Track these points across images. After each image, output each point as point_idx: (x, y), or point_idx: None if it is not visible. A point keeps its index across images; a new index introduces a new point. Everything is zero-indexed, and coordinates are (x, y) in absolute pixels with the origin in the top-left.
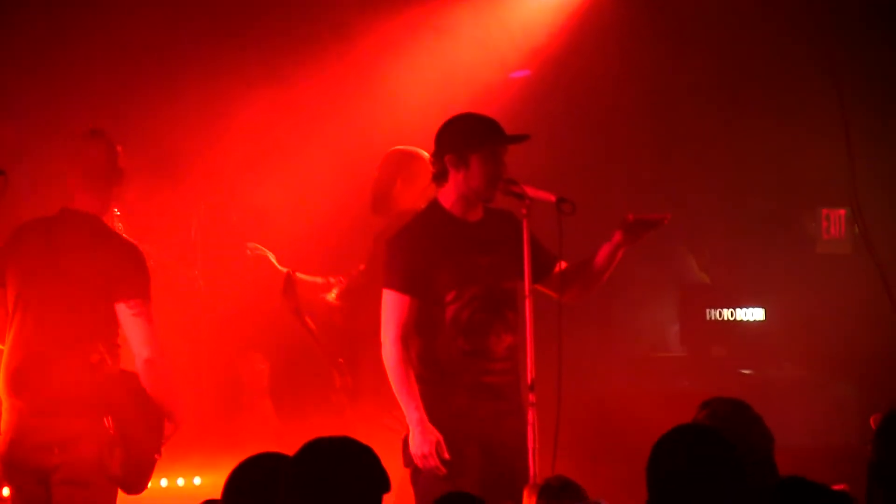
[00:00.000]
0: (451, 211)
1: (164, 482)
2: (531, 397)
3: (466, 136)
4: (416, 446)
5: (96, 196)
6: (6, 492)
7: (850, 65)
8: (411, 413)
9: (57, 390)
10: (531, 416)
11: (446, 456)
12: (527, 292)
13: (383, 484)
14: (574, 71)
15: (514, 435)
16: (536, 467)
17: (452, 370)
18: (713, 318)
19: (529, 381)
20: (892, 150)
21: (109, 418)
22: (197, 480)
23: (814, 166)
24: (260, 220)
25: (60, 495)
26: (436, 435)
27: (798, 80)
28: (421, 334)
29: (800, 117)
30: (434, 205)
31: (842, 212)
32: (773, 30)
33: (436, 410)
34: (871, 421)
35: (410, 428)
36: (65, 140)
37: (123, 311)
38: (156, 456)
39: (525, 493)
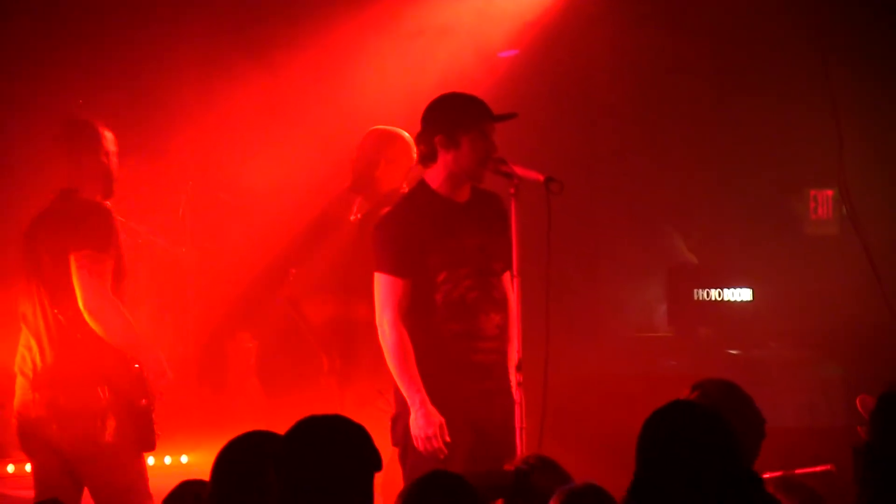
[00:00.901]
0: (440, 191)
1: (151, 460)
2: (518, 377)
3: (457, 117)
4: (419, 428)
5: (90, 179)
6: (28, 467)
7: (838, 45)
8: (413, 395)
9: (52, 364)
10: (518, 395)
11: (448, 439)
12: (515, 272)
13: (375, 462)
14: (561, 51)
15: (503, 414)
16: (524, 447)
17: (443, 350)
18: (700, 298)
19: (517, 360)
20: (880, 130)
21: (105, 388)
22: (184, 458)
23: (802, 147)
24: (247, 199)
25: (84, 476)
26: (439, 418)
27: (787, 61)
28: (412, 315)
29: (788, 98)
30: (422, 185)
31: (829, 193)
32: (761, 10)
33: (428, 390)
34: (858, 402)
35: (413, 410)
36: (58, 125)
37: (72, 264)
38: (143, 402)
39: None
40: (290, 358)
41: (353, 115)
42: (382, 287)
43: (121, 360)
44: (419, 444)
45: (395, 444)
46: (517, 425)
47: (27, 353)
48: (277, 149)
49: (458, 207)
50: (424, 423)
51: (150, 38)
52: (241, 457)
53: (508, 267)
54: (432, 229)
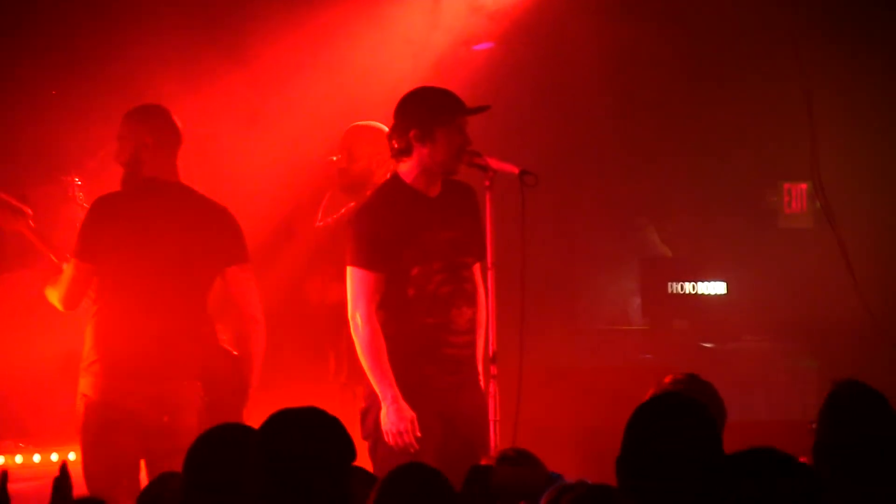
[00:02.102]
0: (413, 186)
1: None
2: (493, 369)
3: (431, 110)
4: (391, 423)
5: (170, 163)
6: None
7: (811, 38)
8: (385, 390)
9: (166, 356)
10: (493, 388)
11: (419, 434)
12: (489, 265)
13: (350, 454)
14: (537, 44)
15: (473, 407)
16: (497, 439)
17: (415, 344)
18: (675, 291)
19: (491, 353)
20: (854, 123)
21: (199, 384)
22: None
23: (776, 140)
24: (226, 190)
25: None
26: (410, 413)
27: (760, 55)
28: (385, 309)
29: (762, 91)
30: (395, 180)
31: (803, 186)
32: (736, 4)
33: (398, 383)
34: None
35: (384, 405)
36: (133, 111)
37: (236, 274)
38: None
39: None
40: (285, 356)
41: (329, 110)
42: (356, 281)
43: (220, 356)
44: (390, 439)
45: (364, 437)
46: (491, 418)
47: (125, 343)
48: (255, 139)
49: (430, 202)
50: (396, 419)
51: (125, 31)
52: (214, 449)
53: (480, 260)
54: (406, 224)
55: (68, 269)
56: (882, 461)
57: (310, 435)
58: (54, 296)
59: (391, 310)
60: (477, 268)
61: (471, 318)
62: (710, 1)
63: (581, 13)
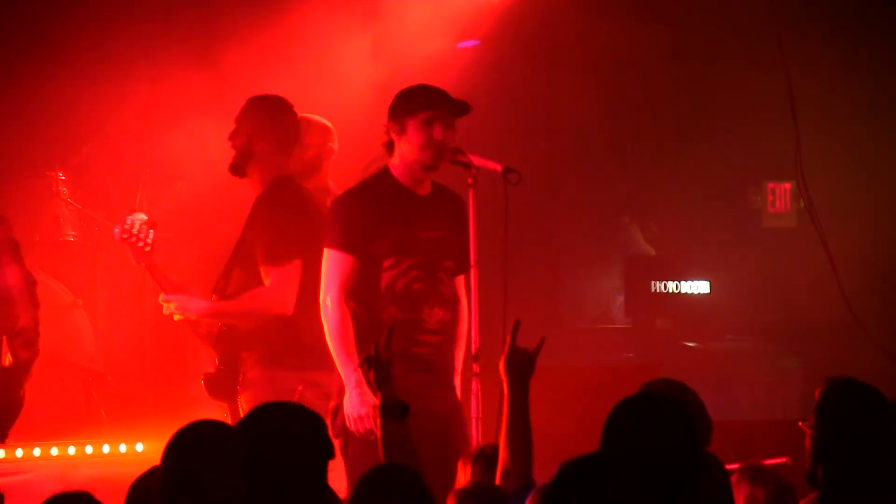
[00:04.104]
0: (399, 180)
1: (106, 448)
2: (475, 367)
3: (402, 103)
4: (352, 408)
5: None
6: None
7: (796, 37)
8: (349, 375)
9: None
10: (475, 386)
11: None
12: (472, 262)
13: (328, 450)
14: (520, 42)
15: (443, 405)
16: (480, 437)
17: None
18: (658, 290)
19: (474, 350)
20: (839, 123)
21: None
22: (140, 447)
23: (760, 140)
24: (205, 188)
25: None
26: (373, 399)
27: (744, 55)
28: (357, 298)
29: (746, 91)
30: (384, 172)
31: (787, 186)
32: (719, 3)
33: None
34: (817, 394)
35: (347, 390)
36: (257, 108)
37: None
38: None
39: (460, 464)
40: None
41: (309, 108)
42: (330, 263)
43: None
44: (351, 424)
45: (335, 435)
46: (473, 415)
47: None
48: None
49: (416, 199)
50: (358, 403)
51: (108, 30)
52: (192, 444)
53: (462, 269)
54: (385, 214)
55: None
56: (880, 456)
57: (289, 430)
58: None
59: (363, 300)
60: (460, 279)
61: (443, 319)
62: (695, 0)
63: (565, 12)
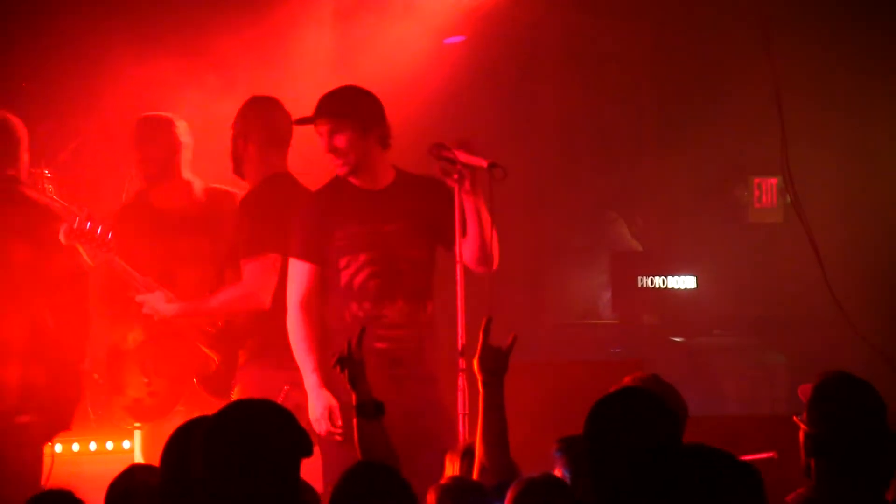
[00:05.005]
0: (349, 180)
1: (93, 445)
2: (461, 363)
3: None
4: (311, 410)
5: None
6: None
7: (782, 31)
8: (308, 377)
9: None
10: (461, 381)
11: (339, 422)
12: (458, 259)
13: (304, 448)
14: (505, 38)
15: (416, 400)
16: (466, 433)
17: (346, 335)
18: (644, 285)
19: (460, 346)
20: (825, 118)
21: None
22: (126, 444)
23: (746, 135)
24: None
25: None
26: (329, 401)
27: (729, 48)
28: (323, 299)
29: (732, 85)
30: (336, 176)
31: (773, 181)
32: None
33: (332, 375)
34: (800, 392)
35: (308, 393)
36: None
37: None
38: None
39: (448, 459)
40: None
41: (293, 103)
42: (291, 270)
43: None
44: (314, 427)
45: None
46: (459, 412)
47: None
48: (224, 137)
49: (367, 195)
50: (313, 405)
51: (95, 26)
52: (190, 441)
53: (431, 254)
54: (335, 215)
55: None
56: (874, 449)
57: (261, 426)
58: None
59: (325, 300)
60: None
61: (408, 312)
62: None
63: (550, 8)
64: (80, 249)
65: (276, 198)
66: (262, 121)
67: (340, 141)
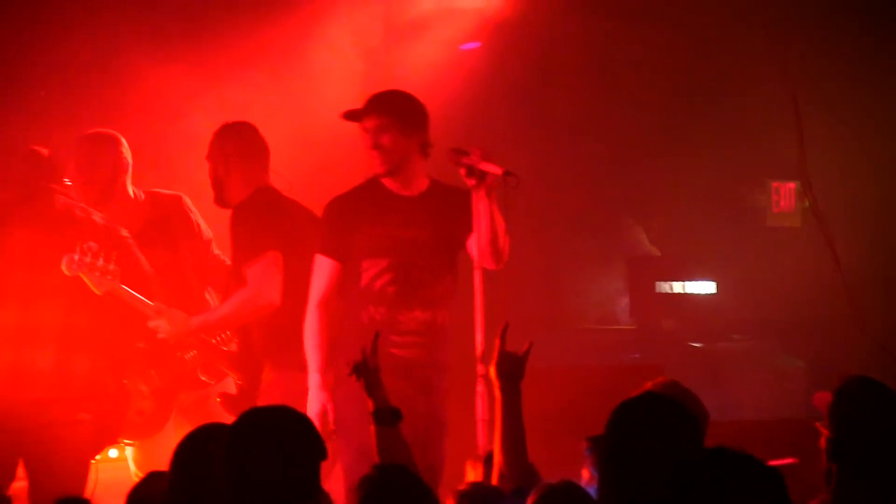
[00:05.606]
0: (384, 183)
1: (113, 453)
2: (479, 369)
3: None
4: (307, 409)
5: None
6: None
7: (799, 36)
8: (312, 375)
9: None
10: (480, 387)
11: (330, 426)
12: (475, 265)
13: (321, 451)
14: (520, 43)
15: (426, 407)
16: (485, 439)
17: (362, 337)
18: (663, 290)
19: (479, 352)
20: (842, 123)
21: None
22: (113, 453)
23: (764, 139)
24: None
25: None
26: (327, 402)
27: (747, 53)
28: (341, 299)
29: (749, 89)
30: (374, 176)
31: (792, 185)
32: (721, 2)
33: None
34: (815, 400)
35: (309, 391)
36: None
37: None
38: None
39: (469, 465)
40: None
41: (311, 111)
42: (316, 266)
43: None
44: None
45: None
46: (479, 417)
47: None
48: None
49: (400, 200)
50: (310, 405)
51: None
52: (199, 449)
53: (453, 264)
54: (365, 216)
55: None
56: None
57: (280, 432)
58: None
59: (345, 301)
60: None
61: (425, 321)
62: (699, 2)
63: (566, 13)
64: (85, 279)
65: (268, 203)
66: (239, 144)
67: (386, 139)
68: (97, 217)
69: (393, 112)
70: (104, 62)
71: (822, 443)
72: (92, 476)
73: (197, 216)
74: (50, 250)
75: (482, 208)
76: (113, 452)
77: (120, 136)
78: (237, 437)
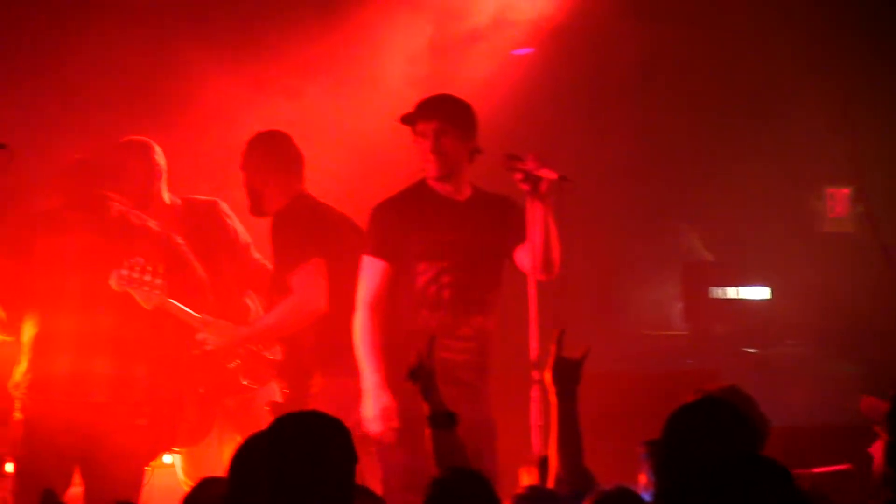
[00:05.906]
0: (433, 186)
1: (167, 459)
2: (535, 374)
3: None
4: (365, 409)
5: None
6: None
7: (852, 41)
8: (369, 376)
9: None
10: (535, 393)
11: (395, 423)
12: (531, 271)
13: (355, 455)
14: (576, 50)
15: (473, 412)
16: (540, 445)
17: (414, 340)
18: (717, 296)
19: (534, 358)
20: (895, 127)
21: None
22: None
23: (818, 145)
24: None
25: None
26: (389, 402)
27: (800, 58)
28: (391, 301)
29: (804, 95)
30: (421, 180)
31: (846, 191)
32: (773, 6)
33: (395, 377)
34: (862, 405)
35: (364, 392)
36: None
37: None
38: None
39: (524, 470)
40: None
41: (367, 117)
42: (364, 268)
43: None
44: (367, 427)
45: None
46: (533, 423)
47: None
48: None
49: (451, 204)
50: (370, 404)
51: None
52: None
53: (501, 269)
54: (416, 219)
55: None
56: None
57: (313, 437)
58: None
59: (396, 303)
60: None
61: (477, 326)
62: (751, 8)
63: (616, 18)
64: (134, 294)
65: (308, 210)
66: (274, 153)
67: (446, 143)
68: (152, 224)
69: (452, 117)
70: (158, 70)
71: (881, 446)
72: (146, 482)
73: (234, 221)
74: (107, 257)
75: (537, 214)
76: (167, 458)
77: (152, 142)
78: (272, 443)
